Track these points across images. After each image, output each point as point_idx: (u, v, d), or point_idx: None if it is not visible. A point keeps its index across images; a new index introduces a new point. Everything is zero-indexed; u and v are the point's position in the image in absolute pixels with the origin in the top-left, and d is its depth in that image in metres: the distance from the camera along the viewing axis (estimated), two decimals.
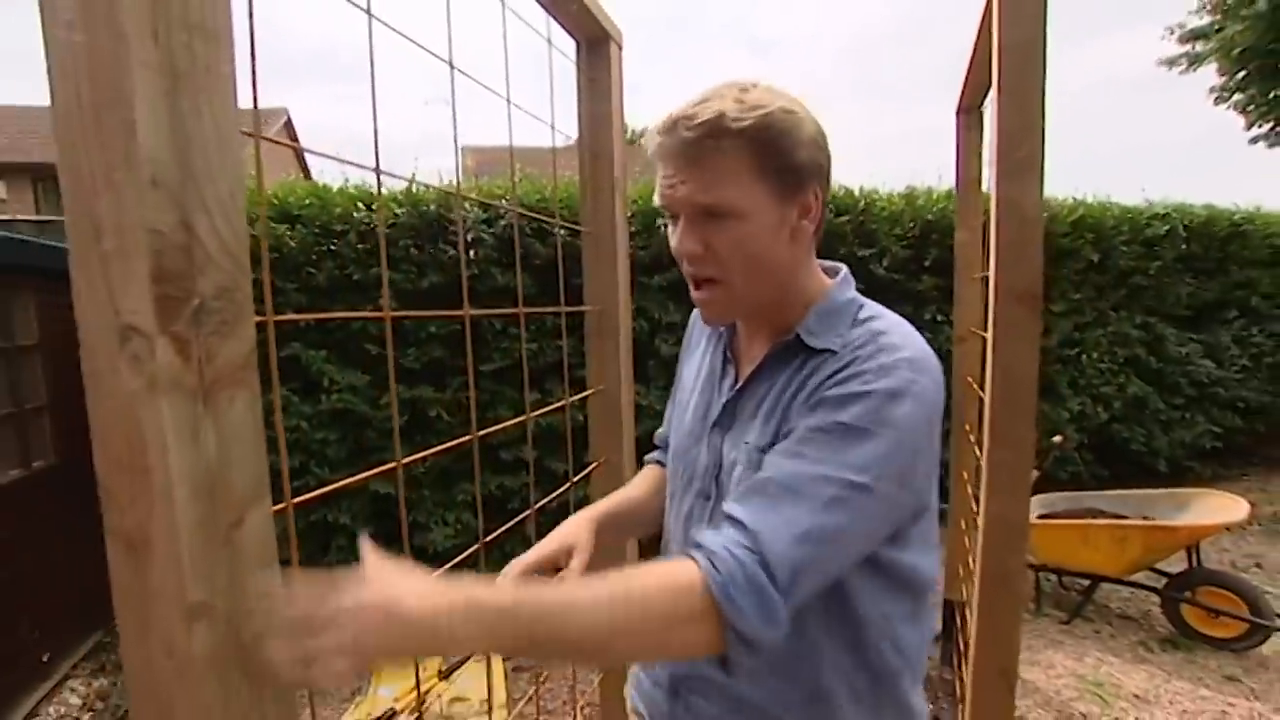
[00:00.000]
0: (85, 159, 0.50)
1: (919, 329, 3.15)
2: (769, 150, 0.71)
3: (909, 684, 0.82)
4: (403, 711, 2.45)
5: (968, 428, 2.50)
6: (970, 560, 1.85)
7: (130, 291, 0.51)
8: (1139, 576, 3.02)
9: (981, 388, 1.58)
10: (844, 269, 0.88)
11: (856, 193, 4.06)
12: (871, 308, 0.82)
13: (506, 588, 0.63)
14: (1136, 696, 2.52)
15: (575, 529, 0.93)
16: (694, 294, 0.80)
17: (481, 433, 1.18)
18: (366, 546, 0.62)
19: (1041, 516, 3.23)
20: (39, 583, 2.82)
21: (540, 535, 0.97)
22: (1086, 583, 3.12)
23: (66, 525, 2.97)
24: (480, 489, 3.13)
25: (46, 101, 0.51)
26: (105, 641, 3.17)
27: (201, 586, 0.52)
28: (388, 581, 0.58)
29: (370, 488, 3.13)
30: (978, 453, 1.62)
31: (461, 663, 2.64)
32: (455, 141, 1.17)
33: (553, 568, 0.89)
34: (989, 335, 1.46)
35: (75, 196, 0.51)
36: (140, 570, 0.52)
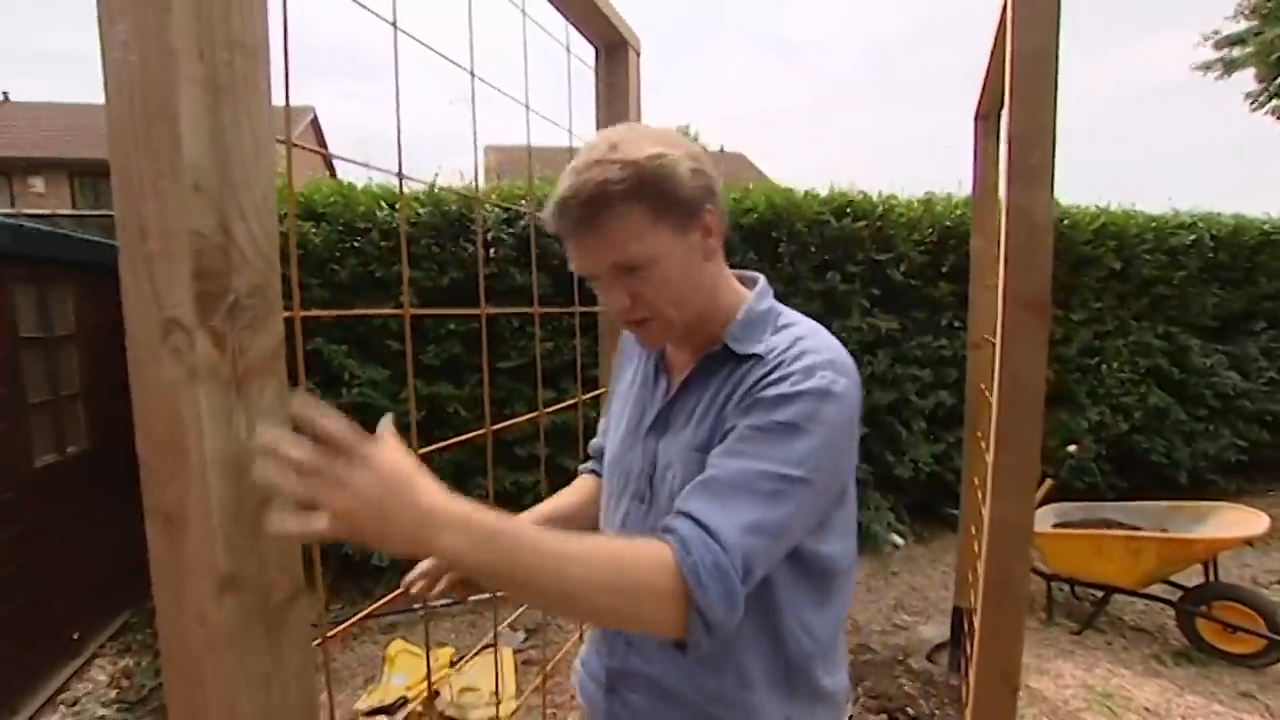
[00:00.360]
0: (135, 167, 0.55)
1: (935, 335, 3.23)
2: (655, 197, 0.75)
3: (822, 669, 0.87)
4: (414, 700, 2.51)
5: (979, 434, 2.50)
6: (978, 566, 1.86)
7: (173, 288, 0.55)
8: (1155, 589, 3.00)
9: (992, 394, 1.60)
10: (761, 279, 0.93)
11: (875, 198, 4.06)
12: (788, 315, 0.88)
13: (505, 515, 0.63)
14: (1147, 709, 2.50)
15: None
16: (633, 332, 0.86)
17: (495, 427, 1.23)
18: (388, 424, 0.64)
19: (1056, 526, 3.21)
20: (70, 564, 2.92)
21: None
22: (1100, 594, 3.09)
23: (98, 509, 3.07)
24: (495, 484, 3.18)
25: (83, 99, 0.55)
26: (132, 622, 3.27)
27: (232, 560, 0.57)
28: (406, 462, 0.61)
29: None
30: (987, 459, 1.63)
31: (471, 654, 2.69)
32: (475, 146, 1.22)
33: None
34: (997, 342, 1.48)
35: (125, 200, 0.55)
36: (176, 544, 0.57)
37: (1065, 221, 4.31)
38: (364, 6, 0.89)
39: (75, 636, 3.00)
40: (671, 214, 0.77)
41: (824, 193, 4.00)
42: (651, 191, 0.75)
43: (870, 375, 3.99)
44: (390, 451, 0.60)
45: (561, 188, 0.77)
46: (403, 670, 2.58)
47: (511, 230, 3.36)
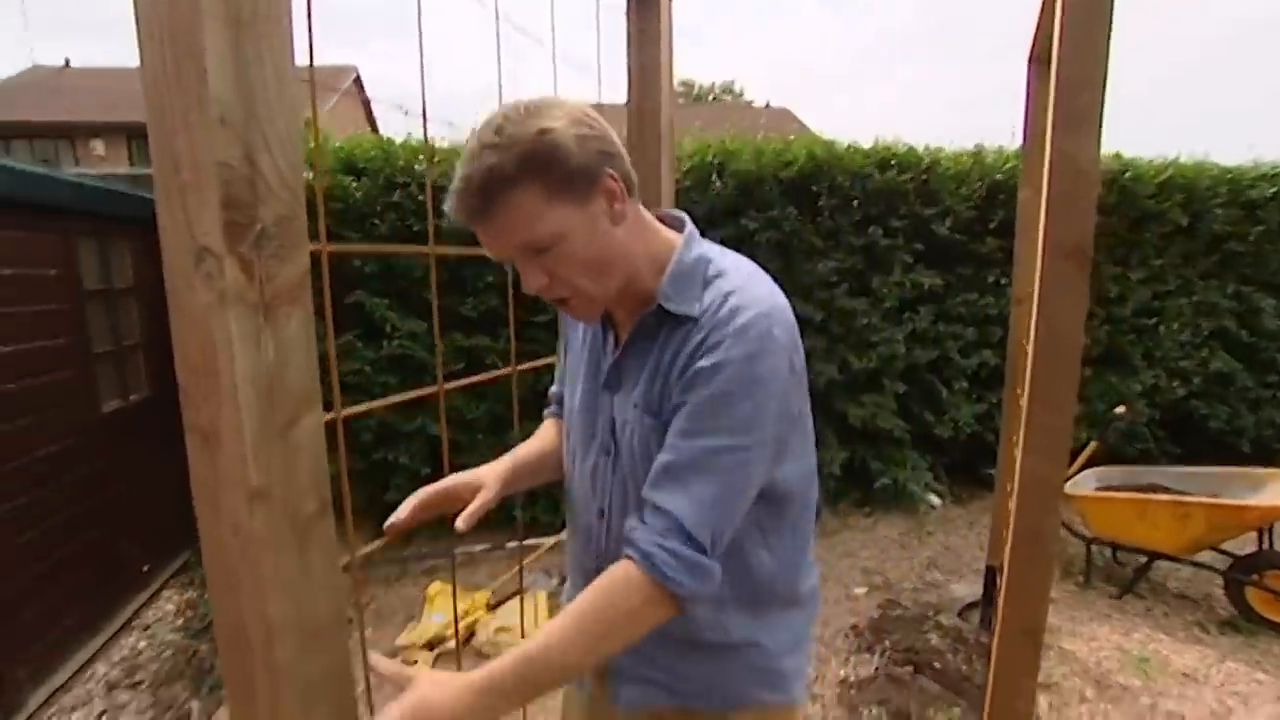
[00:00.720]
0: (167, 103, 0.57)
1: (981, 293, 3.14)
2: (546, 174, 0.74)
3: (787, 580, 0.94)
4: (451, 638, 2.64)
5: (1019, 391, 2.44)
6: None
7: (203, 217, 0.58)
8: (1203, 557, 2.92)
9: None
10: (687, 221, 0.92)
11: (921, 150, 3.92)
12: (718, 262, 0.87)
13: (496, 665, 0.74)
14: (1185, 674, 2.47)
15: (487, 473, 1.00)
16: (560, 310, 0.87)
17: (522, 366, 1.26)
18: (382, 668, 0.79)
19: (1099, 489, 3.14)
20: (137, 503, 3.12)
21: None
22: (1143, 559, 3.03)
23: (160, 453, 3.26)
24: (529, 434, 3.21)
25: (138, 63, 0.58)
26: (191, 560, 3.49)
27: (261, 474, 0.60)
28: (419, 697, 0.74)
29: (427, 430, 3.30)
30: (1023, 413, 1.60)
31: (509, 596, 2.80)
32: (499, 94, 1.22)
33: (453, 501, 0.97)
34: (1035, 293, 1.43)
35: (159, 135, 0.58)
36: (212, 459, 0.61)
37: (1128, 174, 4.09)
38: None
39: (145, 569, 3.22)
40: (567, 188, 0.76)
41: (867, 145, 3.88)
42: (541, 169, 0.74)
43: (911, 333, 3.91)
44: (417, 683, 0.75)
45: (455, 177, 0.77)
46: (442, 609, 2.71)
47: None
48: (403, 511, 0.94)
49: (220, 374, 0.59)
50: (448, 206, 0.79)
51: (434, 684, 0.74)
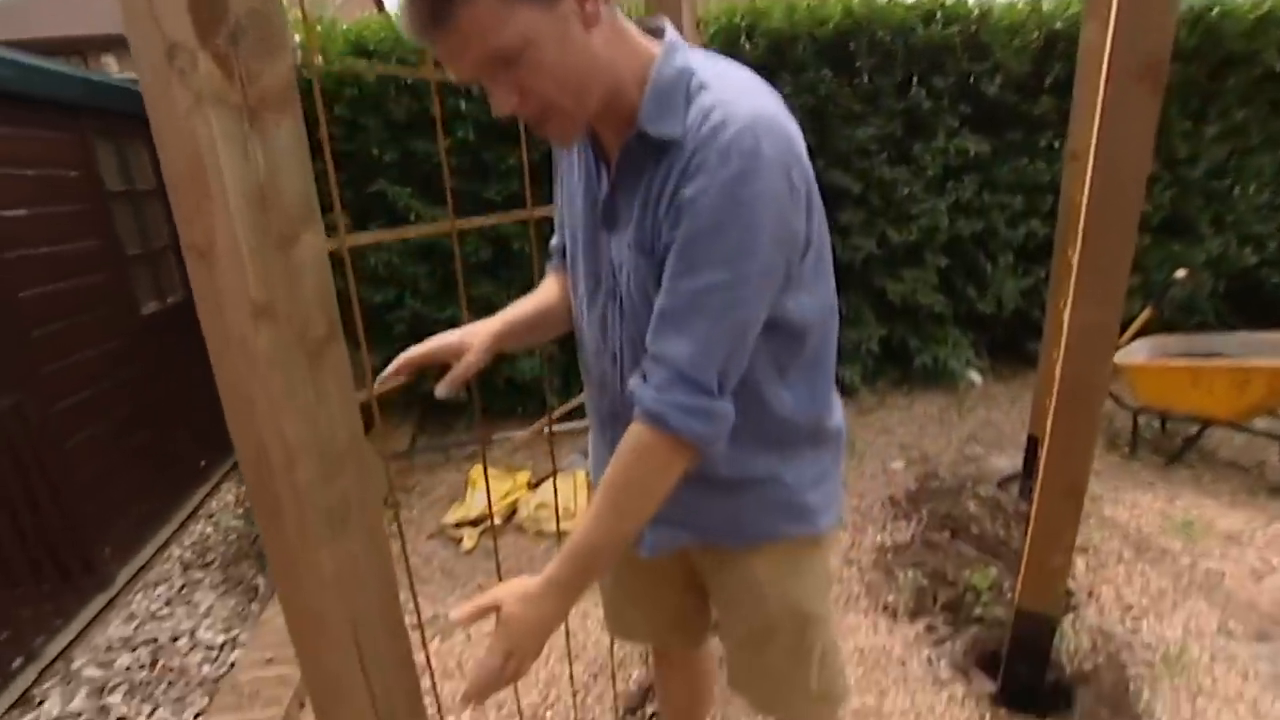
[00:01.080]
0: None
1: (1031, 158, 2.90)
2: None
3: (809, 415, 0.92)
4: (495, 516, 2.74)
5: (1070, 252, 2.30)
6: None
7: (170, 9, 0.53)
8: (1260, 424, 2.82)
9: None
10: (668, 26, 0.82)
11: (971, 0, 3.56)
12: (703, 73, 0.77)
13: (554, 567, 0.79)
14: (1229, 536, 2.44)
15: (475, 333, 0.98)
16: (537, 133, 0.78)
17: (538, 212, 1.20)
18: (464, 613, 0.81)
19: (1151, 359, 3.02)
20: (185, 403, 3.24)
21: None
22: (1194, 429, 2.95)
23: (202, 354, 3.32)
24: None
25: None
26: None
27: (263, 289, 0.57)
28: (512, 623, 0.79)
29: (458, 320, 3.30)
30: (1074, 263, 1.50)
31: (548, 476, 2.88)
32: None
33: (440, 363, 0.97)
34: (1096, 118, 1.30)
35: None
36: (211, 274, 0.58)
37: (1214, 10, 3.65)
38: None
39: (203, 464, 3.39)
40: None
41: None
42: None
43: (954, 203, 3.70)
44: (504, 605, 0.80)
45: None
46: (483, 490, 2.80)
47: None
48: (389, 372, 0.96)
49: (208, 182, 0.55)
50: (401, 24, 0.71)
51: (517, 599, 0.79)
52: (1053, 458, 1.54)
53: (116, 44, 15.01)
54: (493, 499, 2.75)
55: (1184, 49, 3.60)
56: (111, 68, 15.08)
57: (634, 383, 0.79)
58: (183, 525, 3.06)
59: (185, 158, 0.56)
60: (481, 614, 0.80)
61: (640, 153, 0.78)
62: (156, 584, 2.64)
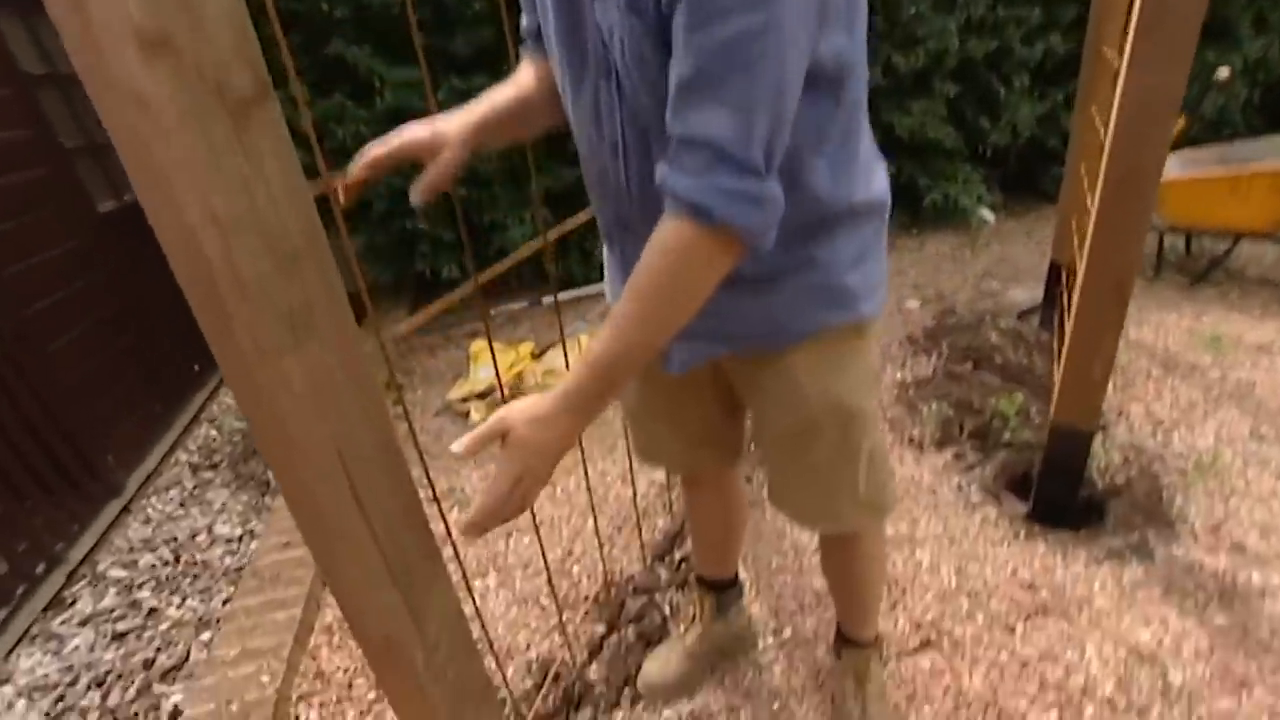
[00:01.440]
0: None
1: None
2: None
3: (846, 192, 0.79)
4: (502, 387, 2.66)
5: (1106, 49, 2.06)
6: (1085, 215, 1.59)
7: None
8: None
9: None
10: None
11: None
12: None
13: (573, 380, 0.68)
14: (1259, 347, 2.37)
15: (447, 126, 0.83)
16: None
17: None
18: (466, 444, 0.70)
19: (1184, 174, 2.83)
20: (172, 304, 3.07)
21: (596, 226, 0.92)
22: (1223, 248, 2.80)
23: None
24: (555, 182, 2.96)
25: None
26: None
27: (150, 10, 0.42)
28: (521, 419, 0.69)
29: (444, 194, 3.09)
30: (1117, 59, 1.30)
31: (552, 345, 2.78)
32: None
33: (411, 160, 0.82)
34: None
35: None
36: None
37: None
38: None
39: (196, 369, 3.29)
40: None
41: None
42: None
43: (965, 22, 3.37)
44: (512, 428, 0.69)
45: None
46: (487, 363, 2.71)
47: None
48: (351, 171, 0.81)
49: None
50: None
51: (526, 421, 0.69)
52: (1097, 251, 1.41)
53: None
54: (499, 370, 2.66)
55: None
56: None
57: (662, 171, 0.65)
58: (185, 430, 3.00)
59: None
60: (487, 440, 0.70)
61: None
62: (168, 488, 2.61)
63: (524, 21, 0.92)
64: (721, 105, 0.60)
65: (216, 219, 0.47)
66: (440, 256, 3.21)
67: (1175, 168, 2.86)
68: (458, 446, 0.70)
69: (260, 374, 0.53)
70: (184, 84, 0.44)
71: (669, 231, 0.65)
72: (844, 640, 1.32)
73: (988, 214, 3.76)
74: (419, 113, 2.73)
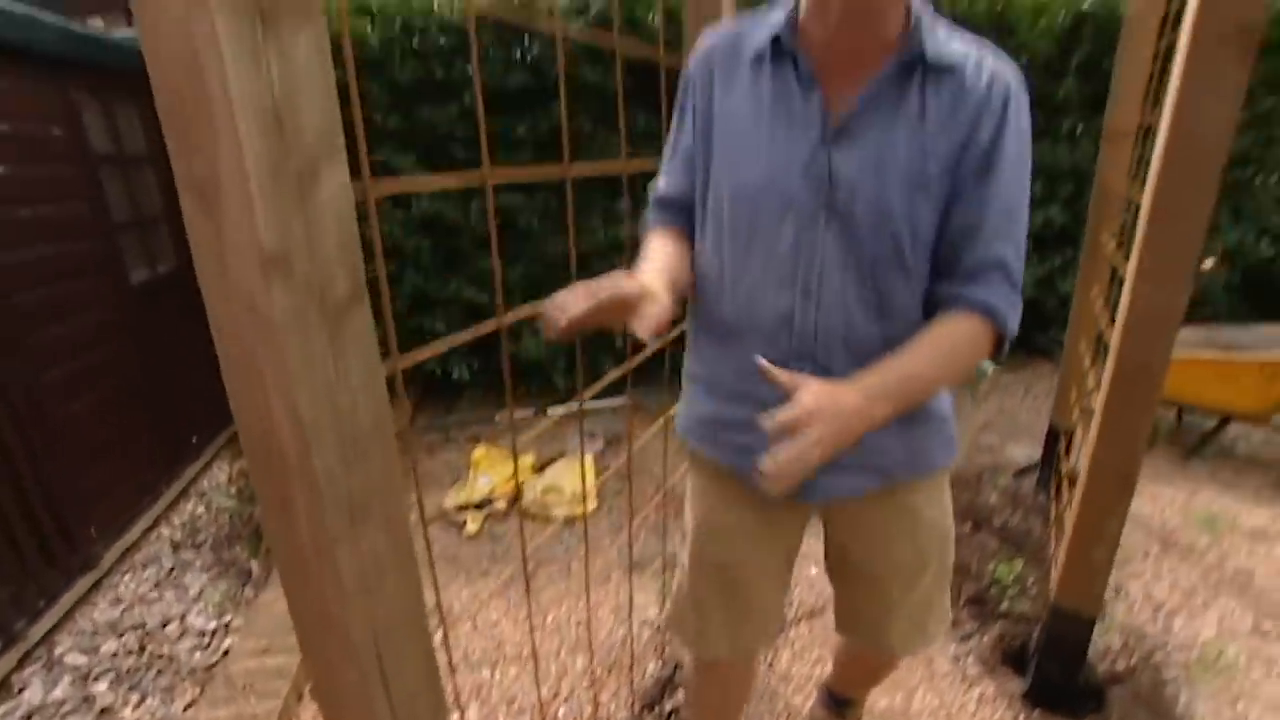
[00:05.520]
0: None
1: (1053, 141, 2.83)
2: None
3: None
4: (500, 498, 2.65)
5: (1105, 238, 2.21)
6: (1086, 384, 1.66)
7: None
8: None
9: (1138, 182, 1.34)
10: None
11: None
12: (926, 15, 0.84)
13: (877, 379, 0.79)
14: (1255, 533, 2.38)
15: (655, 283, 0.84)
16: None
17: (574, 169, 1.08)
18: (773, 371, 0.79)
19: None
20: (178, 376, 3.12)
21: (609, 345, 0.96)
22: (1213, 423, 2.88)
23: (194, 325, 3.22)
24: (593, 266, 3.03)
25: None
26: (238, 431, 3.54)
27: (276, 236, 0.47)
28: (825, 391, 0.76)
29: (463, 296, 3.19)
30: (1118, 259, 1.40)
31: (554, 459, 2.79)
32: None
33: (623, 307, 0.76)
34: (1173, 89, 1.20)
35: None
36: (213, 218, 0.47)
37: None
38: None
39: (195, 440, 3.28)
40: None
41: None
42: None
43: None
44: (815, 395, 0.75)
45: None
46: (487, 472, 2.70)
47: (582, 16, 3.02)
48: (574, 309, 0.72)
49: (210, 100, 0.44)
50: None
51: (830, 393, 0.76)
52: (1103, 445, 1.46)
53: (108, 6, 14.59)
54: (497, 482, 2.65)
55: None
56: (99, 27, 14.66)
57: (954, 288, 0.86)
58: (173, 504, 2.95)
59: (182, 70, 0.45)
60: (791, 382, 0.77)
61: (902, 76, 0.82)
62: (145, 565, 2.54)
63: (662, 187, 1.01)
64: (1008, 239, 0.84)
65: (298, 417, 0.51)
66: (452, 357, 3.27)
67: None
68: (771, 422, 0.74)
69: (314, 561, 0.55)
70: (293, 295, 0.49)
71: (963, 324, 0.84)
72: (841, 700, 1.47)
73: (987, 364, 3.86)
74: (452, 222, 2.86)
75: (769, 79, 0.87)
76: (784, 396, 0.79)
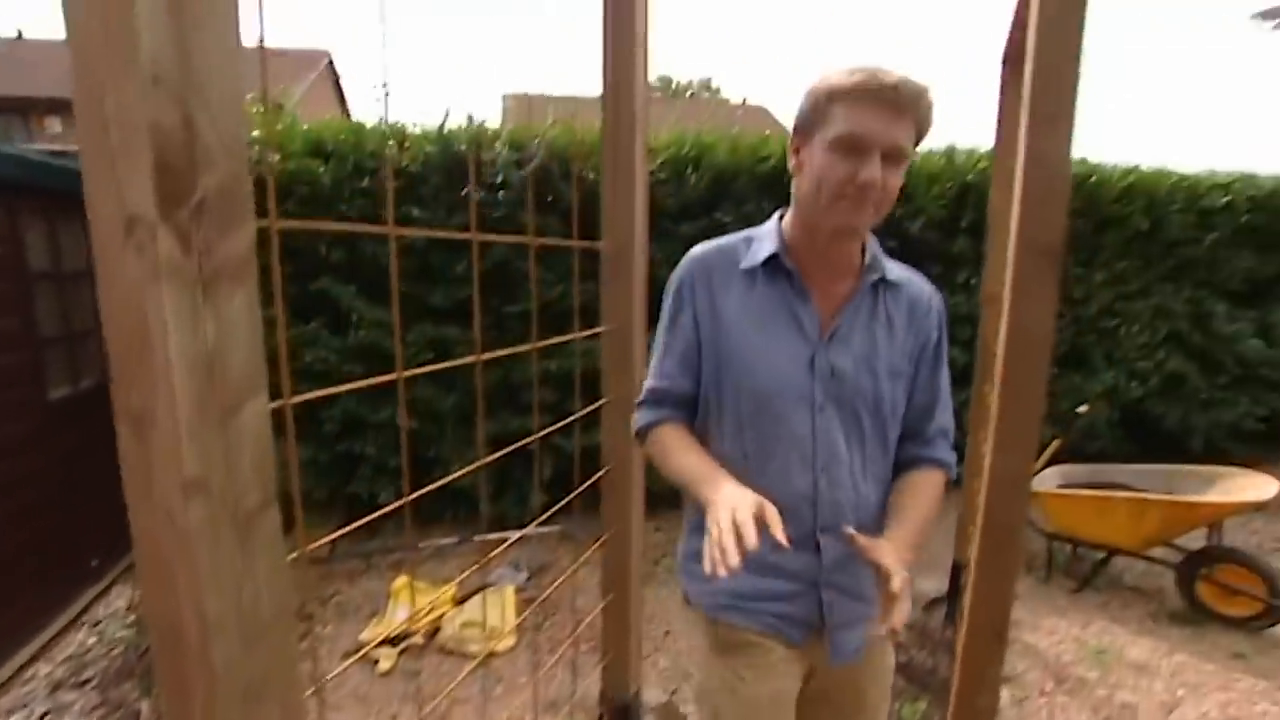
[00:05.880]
0: (94, 60, 0.53)
1: (951, 291, 3.24)
2: (925, 124, 0.98)
3: None
4: (416, 633, 2.58)
5: (988, 389, 2.47)
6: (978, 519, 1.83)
7: (135, 183, 0.54)
8: (1156, 552, 2.99)
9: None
10: None
11: None
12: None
13: (901, 531, 1.04)
14: (1138, 666, 2.53)
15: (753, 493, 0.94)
16: (850, 206, 0.97)
17: (486, 355, 1.21)
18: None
19: (1061, 487, 3.20)
20: (88, 494, 3.00)
21: (542, 470, 1.05)
22: (1101, 555, 3.09)
23: (112, 442, 3.13)
24: (500, 427, 3.15)
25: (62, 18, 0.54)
26: None
27: (198, 463, 0.56)
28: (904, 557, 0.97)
29: (395, 421, 3.23)
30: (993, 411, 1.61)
31: (475, 591, 2.76)
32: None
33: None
34: (1006, 290, 1.43)
35: (86, 95, 0.54)
36: (143, 446, 0.57)
37: (1093, 179, 4.17)
38: None
39: (94, 564, 3.10)
40: (918, 140, 0.99)
41: None
42: (926, 111, 0.97)
43: None
44: (899, 557, 0.96)
45: (886, 72, 0.93)
46: (406, 604, 2.65)
47: (521, 172, 3.30)
48: (750, 540, 0.83)
49: (154, 354, 0.55)
50: (859, 78, 0.93)
51: (899, 550, 0.97)
52: (978, 597, 1.58)
53: (60, 106, 14.74)
54: (415, 615, 2.60)
55: (1070, 207, 4.06)
56: (54, 129, 14.74)
57: (919, 450, 1.13)
58: (61, 634, 2.75)
59: (132, 329, 0.56)
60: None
61: (873, 289, 1.06)
62: (10, 711, 2.33)
63: (659, 385, 1.13)
64: (948, 409, 1.15)
65: (204, 614, 0.58)
66: (379, 480, 3.26)
67: (1055, 481, 3.24)
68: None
69: None
70: (209, 512, 0.57)
71: (935, 477, 1.13)
72: None
73: None
74: (389, 351, 2.93)
75: (765, 288, 1.05)
76: (806, 565, 1.05)
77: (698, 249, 1.14)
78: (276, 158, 3.12)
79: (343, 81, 18.41)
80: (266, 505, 0.64)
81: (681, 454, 1.06)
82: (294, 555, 0.86)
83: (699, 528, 1.13)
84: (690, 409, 1.13)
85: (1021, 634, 2.70)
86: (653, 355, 1.17)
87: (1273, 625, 2.71)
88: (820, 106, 0.97)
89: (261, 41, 0.81)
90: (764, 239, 1.08)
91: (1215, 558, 2.81)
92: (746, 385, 1.05)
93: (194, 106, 0.56)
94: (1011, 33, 2.07)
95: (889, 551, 0.94)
